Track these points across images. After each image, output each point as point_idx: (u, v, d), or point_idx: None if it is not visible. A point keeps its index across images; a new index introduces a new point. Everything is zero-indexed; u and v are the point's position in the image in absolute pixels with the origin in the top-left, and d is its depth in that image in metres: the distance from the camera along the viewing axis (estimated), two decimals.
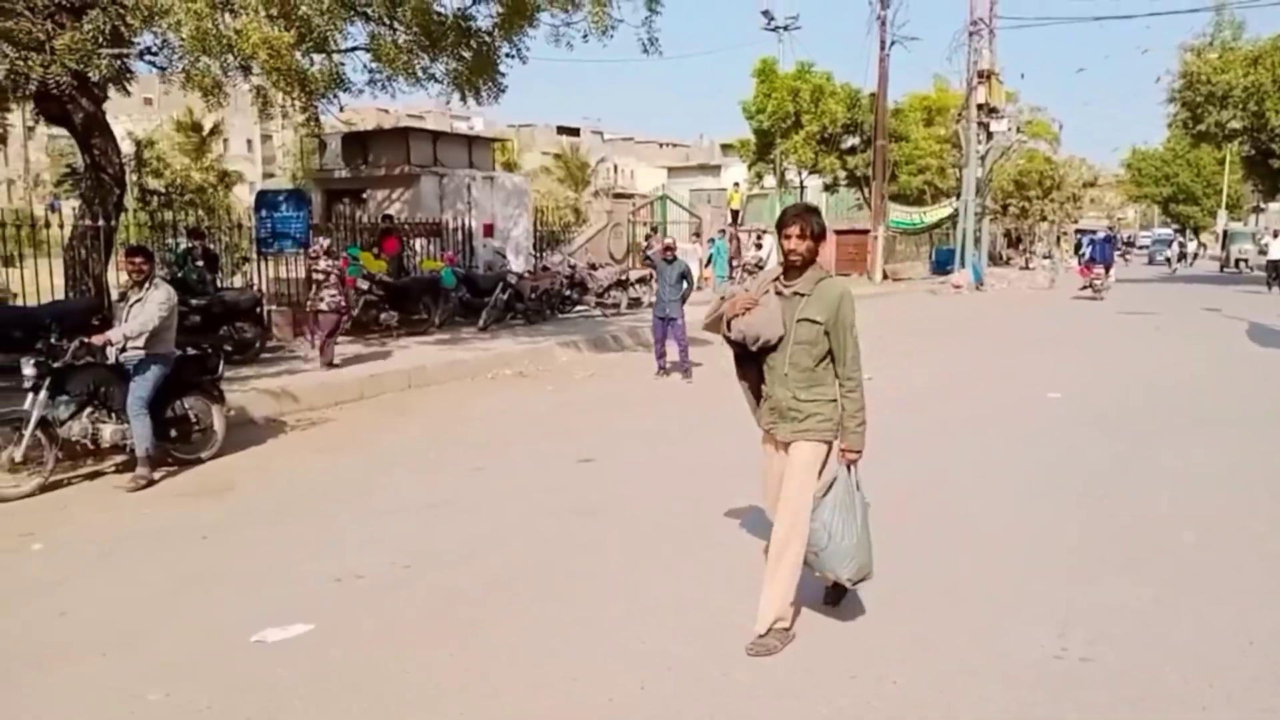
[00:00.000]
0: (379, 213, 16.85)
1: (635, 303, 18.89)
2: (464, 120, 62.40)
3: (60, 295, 11.50)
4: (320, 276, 11.42)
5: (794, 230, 4.05)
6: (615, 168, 72.59)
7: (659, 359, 11.78)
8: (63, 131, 13.19)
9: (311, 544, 5.67)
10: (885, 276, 29.32)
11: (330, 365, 11.21)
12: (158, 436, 7.15)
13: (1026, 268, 38.35)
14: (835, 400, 4.15)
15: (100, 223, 11.09)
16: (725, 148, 51.67)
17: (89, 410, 7.10)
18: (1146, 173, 65.29)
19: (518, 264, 18.15)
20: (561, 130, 75.88)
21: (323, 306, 11.33)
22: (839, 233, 31.60)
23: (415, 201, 17.22)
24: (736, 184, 33.47)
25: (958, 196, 30.59)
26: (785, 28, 33.08)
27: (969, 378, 11.91)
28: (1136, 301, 23.14)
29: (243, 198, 38.76)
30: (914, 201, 33.26)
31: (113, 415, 7.15)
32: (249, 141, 65.43)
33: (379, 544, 5.59)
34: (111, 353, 7.13)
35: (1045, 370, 12.36)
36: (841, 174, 32.17)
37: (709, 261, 23.92)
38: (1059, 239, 48.45)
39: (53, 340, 6.92)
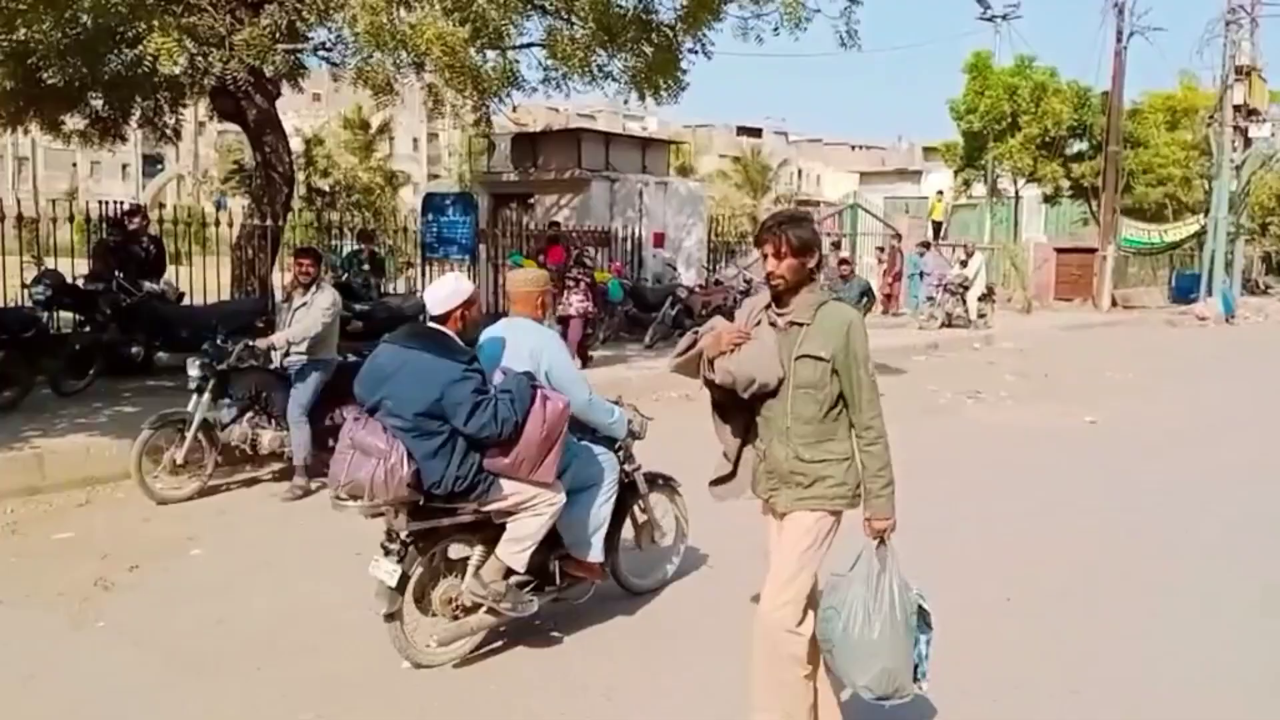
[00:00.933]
0: (546, 219, 17.36)
1: None
2: (636, 120, 63.55)
3: (226, 295, 12.42)
4: (571, 283, 12.76)
5: (768, 248, 3.51)
6: (799, 172, 72.33)
7: None
8: (231, 127, 14.27)
9: None
10: (1114, 303, 27.89)
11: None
12: (316, 446, 7.48)
13: None
14: (849, 459, 3.57)
15: (269, 222, 11.92)
16: (928, 151, 50.60)
17: (249, 415, 7.62)
18: None
19: (688, 277, 18.30)
20: (741, 131, 76.03)
21: (571, 311, 12.57)
22: (1059, 251, 30.34)
23: (584, 208, 17.68)
24: (940, 192, 32.66)
25: (1205, 213, 28.82)
26: (1004, 18, 32.19)
27: (1219, 424, 11.11)
28: None
29: (406, 199, 40.68)
30: (1151, 217, 31.52)
31: (272, 421, 7.65)
32: (414, 140, 68.66)
33: None
34: (276, 356, 7.63)
35: None
36: (1065, 183, 30.87)
37: (897, 277, 23.44)
38: None
39: (218, 341, 7.46)
